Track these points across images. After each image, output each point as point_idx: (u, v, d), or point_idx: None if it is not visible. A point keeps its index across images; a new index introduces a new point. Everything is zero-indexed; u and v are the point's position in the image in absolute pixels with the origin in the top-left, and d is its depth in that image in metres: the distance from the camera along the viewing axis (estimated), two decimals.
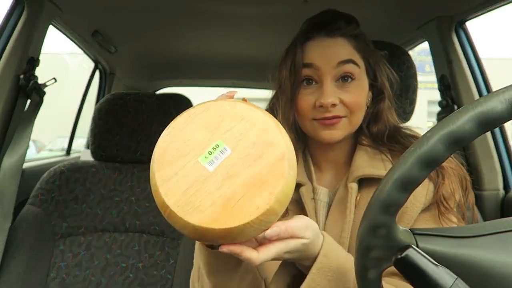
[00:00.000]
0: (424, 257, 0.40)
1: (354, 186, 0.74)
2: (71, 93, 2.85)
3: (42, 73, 1.34)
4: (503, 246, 0.41)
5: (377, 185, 0.69)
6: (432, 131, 0.40)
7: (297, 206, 0.78)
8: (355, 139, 0.82)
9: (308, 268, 0.58)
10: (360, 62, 0.77)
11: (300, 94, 0.77)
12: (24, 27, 1.25)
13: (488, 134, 1.44)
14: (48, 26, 1.37)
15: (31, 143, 1.37)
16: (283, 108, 0.79)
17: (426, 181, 0.72)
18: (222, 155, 0.50)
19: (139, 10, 1.56)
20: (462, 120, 0.38)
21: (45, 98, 1.35)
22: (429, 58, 1.57)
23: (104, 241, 1.23)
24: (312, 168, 0.81)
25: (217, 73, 2.68)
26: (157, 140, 0.53)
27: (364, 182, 0.75)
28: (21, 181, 1.26)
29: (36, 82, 1.30)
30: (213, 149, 0.50)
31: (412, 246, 0.41)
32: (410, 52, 1.54)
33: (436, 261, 0.40)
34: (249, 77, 2.65)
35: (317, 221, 0.77)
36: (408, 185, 0.40)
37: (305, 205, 0.76)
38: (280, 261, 0.64)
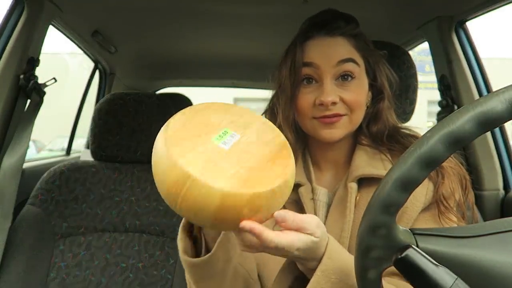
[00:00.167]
0: (424, 257, 0.40)
1: (353, 186, 0.74)
2: (71, 93, 2.85)
3: (42, 73, 1.34)
4: (503, 246, 0.41)
5: (376, 185, 0.69)
6: (432, 131, 0.40)
7: (296, 206, 0.78)
8: (355, 139, 0.82)
9: (311, 270, 0.58)
10: (360, 61, 0.77)
11: (300, 93, 0.77)
12: (24, 27, 1.25)
13: (488, 134, 1.44)
14: (48, 26, 1.37)
15: (31, 143, 1.37)
16: (283, 107, 0.79)
17: (426, 180, 0.72)
18: (233, 138, 0.53)
19: (139, 10, 1.56)
20: (462, 120, 0.38)
21: (45, 98, 1.35)
22: (429, 58, 1.57)
23: (104, 241, 1.23)
24: (311, 168, 0.81)
25: (217, 73, 2.68)
26: None
27: (363, 182, 0.75)
28: (21, 181, 1.26)
29: (36, 82, 1.30)
30: (223, 133, 0.53)
31: (412, 246, 0.41)
32: (410, 52, 1.54)
33: (436, 261, 0.40)
34: (249, 77, 2.65)
35: None
36: (408, 185, 0.40)
37: (304, 205, 0.76)
38: (282, 264, 0.64)
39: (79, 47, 1.87)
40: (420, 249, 0.41)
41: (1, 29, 1.24)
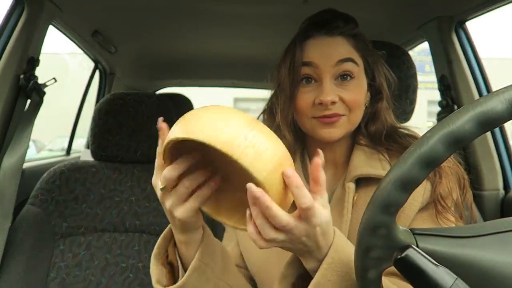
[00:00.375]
0: (424, 257, 0.40)
1: (351, 186, 0.75)
2: (71, 93, 2.85)
3: (42, 73, 1.34)
4: (503, 246, 0.41)
5: (374, 185, 0.69)
6: (432, 131, 0.40)
7: (294, 206, 0.77)
8: (353, 139, 0.82)
9: (316, 268, 0.58)
10: (359, 61, 0.78)
11: (299, 93, 0.77)
12: (24, 27, 1.25)
13: (488, 134, 1.44)
14: (48, 26, 1.37)
15: (31, 143, 1.37)
16: (282, 107, 0.79)
17: (425, 180, 0.72)
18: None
19: (139, 10, 1.56)
20: (462, 120, 0.38)
21: (45, 98, 1.35)
22: (429, 58, 1.57)
23: (104, 241, 1.23)
24: (310, 168, 0.81)
25: (217, 73, 2.68)
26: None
27: (361, 181, 0.76)
28: (21, 181, 1.26)
29: (36, 82, 1.30)
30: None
31: (412, 246, 0.41)
32: (410, 52, 1.54)
33: (436, 261, 0.40)
34: (249, 77, 2.65)
35: None
36: (408, 185, 0.40)
37: None
38: (285, 262, 0.64)
39: (79, 47, 1.87)
40: (420, 249, 0.41)
41: (1, 29, 1.24)
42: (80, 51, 1.95)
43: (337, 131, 0.75)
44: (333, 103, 0.74)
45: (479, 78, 1.47)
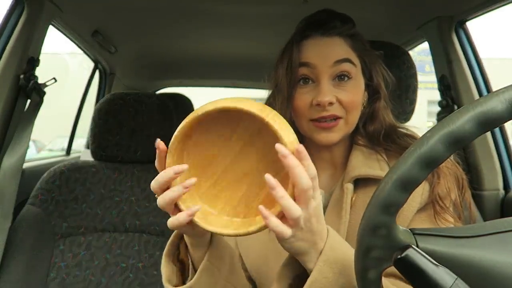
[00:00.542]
0: (424, 257, 0.40)
1: (349, 186, 0.74)
2: (71, 93, 2.85)
3: (42, 73, 1.34)
4: (503, 246, 0.41)
5: (373, 186, 0.68)
6: (432, 131, 0.40)
7: None
8: (351, 139, 0.82)
9: (313, 266, 0.58)
10: (357, 61, 0.77)
11: (297, 93, 0.77)
12: (24, 27, 1.25)
13: (488, 134, 1.44)
14: (48, 26, 1.37)
15: (31, 143, 1.37)
16: (280, 107, 0.79)
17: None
18: None
19: (139, 10, 1.56)
20: (462, 120, 0.38)
21: (45, 98, 1.35)
22: (429, 58, 1.57)
23: (104, 241, 1.23)
24: None
25: (217, 73, 2.69)
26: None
27: (360, 182, 0.75)
28: (21, 181, 1.26)
29: (36, 82, 1.30)
30: None
31: (412, 246, 0.41)
32: (410, 52, 1.54)
33: (436, 261, 0.40)
34: (249, 77, 2.65)
35: None
36: (408, 185, 0.40)
37: None
38: (282, 262, 0.64)
39: (79, 47, 1.87)
40: (420, 249, 0.41)
41: (1, 29, 1.24)
42: (80, 51, 1.95)
43: (335, 135, 0.75)
44: (331, 104, 0.73)
45: (479, 78, 1.47)
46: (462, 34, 1.48)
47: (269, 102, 0.84)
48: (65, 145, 2.32)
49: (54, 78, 1.38)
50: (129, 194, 1.28)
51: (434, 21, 1.45)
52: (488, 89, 1.48)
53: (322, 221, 0.57)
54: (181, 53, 2.20)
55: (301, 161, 0.50)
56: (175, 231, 0.65)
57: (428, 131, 0.40)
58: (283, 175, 0.52)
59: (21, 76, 1.26)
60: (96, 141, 1.29)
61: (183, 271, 0.66)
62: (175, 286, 0.63)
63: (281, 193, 0.49)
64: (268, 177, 0.49)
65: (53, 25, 1.48)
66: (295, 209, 0.50)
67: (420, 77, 1.07)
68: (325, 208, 0.78)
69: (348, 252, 0.60)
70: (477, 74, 1.47)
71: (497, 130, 1.47)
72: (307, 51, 0.77)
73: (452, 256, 0.41)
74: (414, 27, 1.55)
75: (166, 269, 0.65)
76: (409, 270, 0.40)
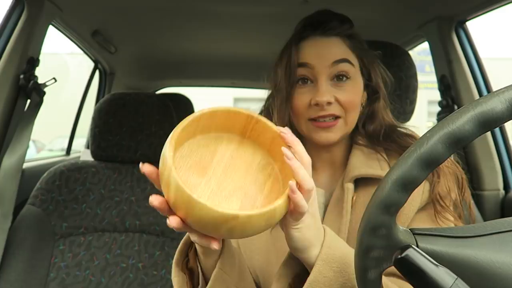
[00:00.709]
0: (424, 257, 0.40)
1: (350, 186, 0.74)
2: (71, 93, 2.85)
3: (42, 73, 1.34)
4: (503, 246, 0.41)
5: (373, 185, 0.68)
6: (432, 131, 0.40)
7: None
8: (351, 139, 0.82)
9: (312, 265, 0.58)
10: (355, 62, 0.77)
11: (296, 93, 0.77)
12: (24, 27, 1.25)
13: (488, 134, 1.44)
14: (48, 26, 1.37)
15: (31, 143, 1.37)
16: (279, 108, 0.79)
17: None
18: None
19: (139, 10, 1.56)
20: (462, 120, 0.38)
21: (45, 98, 1.35)
22: (429, 58, 1.57)
23: (104, 241, 1.23)
24: None
25: (217, 73, 2.69)
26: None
27: (360, 182, 0.75)
28: (21, 181, 1.26)
29: (36, 82, 1.30)
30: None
31: (412, 246, 0.41)
32: (410, 52, 1.54)
33: (436, 261, 0.40)
34: (249, 77, 2.66)
35: None
36: (408, 185, 0.40)
37: None
38: (282, 262, 0.64)
39: (79, 47, 1.87)
40: (420, 249, 0.41)
41: (1, 29, 1.24)
42: (80, 51, 1.95)
43: (334, 135, 0.75)
44: (329, 103, 0.74)
45: (479, 78, 1.47)
46: (462, 34, 1.48)
47: (269, 102, 0.84)
48: (65, 145, 2.31)
49: (54, 78, 1.38)
50: (129, 194, 1.28)
51: (434, 21, 1.45)
52: (488, 89, 1.48)
53: (319, 219, 0.58)
54: (181, 53, 2.21)
55: (293, 145, 0.54)
56: (185, 238, 0.65)
57: (428, 131, 0.40)
58: (273, 180, 0.55)
59: (21, 76, 1.26)
60: (96, 141, 1.29)
61: (192, 278, 0.66)
62: None
63: (297, 164, 0.53)
64: (284, 149, 0.53)
65: (53, 25, 1.48)
66: (309, 180, 0.53)
67: (420, 77, 1.07)
68: (325, 207, 0.78)
69: (346, 250, 0.60)
70: (477, 74, 1.47)
71: (497, 130, 1.47)
72: (306, 51, 0.77)
73: (452, 256, 0.41)
74: (414, 27, 1.55)
75: (177, 278, 0.64)
76: (409, 270, 0.40)
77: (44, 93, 1.34)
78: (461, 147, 0.39)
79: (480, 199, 1.41)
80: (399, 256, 0.40)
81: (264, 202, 0.54)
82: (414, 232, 0.44)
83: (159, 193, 0.52)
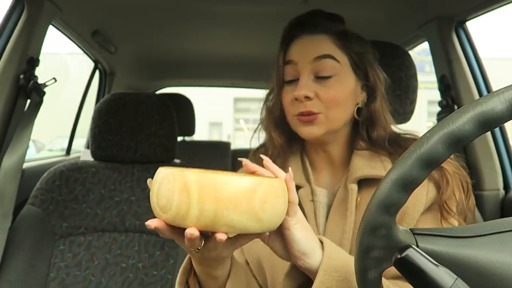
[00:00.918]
0: (424, 257, 0.40)
1: (354, 187, 0.74)
2: (71, 93, 2.85)
3: (42, 73, 1.34)
4: (503, 246, 0.41)
5: (376, 186, 0.69)
6: (432, 131, 0.40)
7: None
8: (351, 143, 0.82)
9: (314, 273, 0.59)
10: (342, 59, 0.77)
11: (284, 91, 0.79)
12: (24, 27, 1.25)
13: (488, 134, 1.44)
14: (48, 26, 1.37)
15: (31, 143, 1.37)
16: (272, 107, 0.82)
17: (426, 180, 0.72)
18: None
19: (139, 10, 1.56)
20: (462, 120, 0.38)
21: (45, 98, 1.35)
22: (429, 58, 1.57)
23: (104, 241, 1.23)
24: (309, 169, 0.81)
25: (217, 73, 2.69)
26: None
27: (363, 183, 0.75)
28: (21, 181, 1.26)
29: (36, 82, 1.30)
30: None
31: (412, 246, 0.41)
32: (410, 52, 1.54)
33: (436, 261, 0.40)
34: (249, 76, 2.66)
35: (316, 223, 0.77)
36: (408, 185, 0.40)
37: (304, 207, 0.76)
38: (285, 273, 0.64)
39: (79, 47, 1.87)
40: (420, 249, 0.41)
41: (1, 29, 1.24)
42: (80, 51, 1.95)
43: (315, 128, 0.76)
44: (308, 98, 0.74)
45: (479, 78, 1.47)
46: (462, 34, 1.48)
47: (268, 99, 0.86)
48: (65, 145, 2.31)
49: (54, 78, 1.38)
50: (129, 194, 1.28)
51: (434, 21, 1.45)
52: (488, 89, 1.48)
53: (308, 225, 0.60)
54: (181, 53, 2.21)
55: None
56: (183, 266, 0.64)
57: (428, 131, 0.40)
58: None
59: (21, 76, 1.26)
60: (96, 141, 1.29)
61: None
62: None
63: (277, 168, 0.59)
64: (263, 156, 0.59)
65: (53, 25, 1.48)
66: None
67: (420, 77, 1.06)
68: (328, 208, 0.78)
69: (346, 258, 0.60)
70: (477, 74, 1.47)
71: (497, 130, 1.47)
72: (292, 50, 0.78)
73: (452, 256, 0.41)
74: (414, 27, 1.55)
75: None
76: (409, 270, 0.40)
77: (44, 93, 1.34)
78: (461, 147, 0.39)
79: (480, 199, 1.41)
80: (399, 256, 0.40)
81: None
82: (414, 232, 0.44)
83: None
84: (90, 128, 1.31)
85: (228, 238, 0.52)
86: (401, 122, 1.00)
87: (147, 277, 1.19)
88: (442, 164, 0.70)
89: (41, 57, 1.35)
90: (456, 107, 1.45)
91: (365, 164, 0.76)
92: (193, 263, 0.61)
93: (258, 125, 0.88)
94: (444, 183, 0.71)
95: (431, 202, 0.72)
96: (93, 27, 1.70)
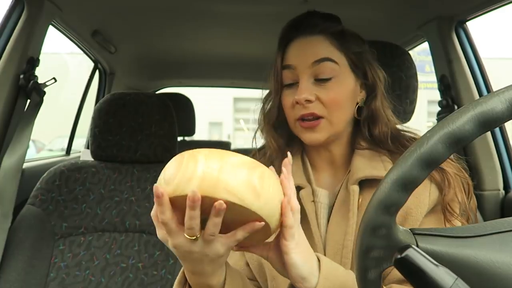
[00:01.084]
0: (424, 257, 0.40)
1: (355, 188, 0.74)
2: (71, 93, 2.85)
3: (42, 73, 1.34)
4: (503, 246, 0.41)
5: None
6: (432, 131, 0.40)
7: None
8: (352, 142, 0.82)
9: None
10: (340, 60, 0.77)
11: (283, 95, 0.79)
12: (24, 27, 1.25)
13: (488, 134, 1.44)
14: (48, 26, 1.37)
15: (31, 143, 1.37)
16: (270, 110, 0.82)
17: (428, 181, 0.72)
18: None
19: (139, 10, 1.56)
20: (462, 120, 0.38)
21: (45, 98, 1.35)
22: (429, 58, 1.57)
23: (104, 241, 1.23)
24: (310, 170, 0.81)
25: (217, 72, 2.69)
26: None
27: (364, 183, 0.75)
28: (21, 181, 1.26)
29: (36, 82, 1.30)
30: None
31: (412, 246, 0.41)
32: (410, 52, 1.54)
33: (436, 261, 0.40)
34: (249, 76, 2.65)
35: (318, 224, 0.76)
36: (408, 185, 0.40)
37: (305, 208, 0.76)
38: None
39: (79, 47, 1.87)
40: (420, 249, 0.41)
41: (1, 29, 1.24)
42: (80, 51, 1.95)
43: (319, 135, 0.76)
44: (309, 101, 0.74)
45: (479, 78, 1.47)
46: (462, 34, 1.48)
47: (267, 100, 0.86)
48: (65, 145, 2.31)
49: (54, 78, 1.38)
50: (129, 194, 1.28)
51: (434, 21, 1.45)
52: (488, 89, 1.48)
53: (308, 244, 0.60)
54: (181, 53, 2.21)
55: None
56: (178, 278, 0.63)
57: (428, 131, 0.40)
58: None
59: (21, 76, 1.26)
60: (96, 141, 1.29)
61: None
62: None
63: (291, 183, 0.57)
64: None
65: (53, 25, 1.48)
66: (296, 201, 0.56)
67: (420, 77, 1.06)
68: (329, 208, 0.78)
69: (343, 277, 0.60)
70: (477, 74, 1.47)
71: (497, 130, 1.47)
72: (290, 53, 0.78)
73: (452, 256, 0.41)
74: (414, 27, 1.55)
75: None
76: (409, 270, 0.40)
77: (44, 93, 1.34)
78: (461, 147, 0.39)
79: (480, 199, 1.41)
80: (399, 256, 0.40)
81: None
82: (414, 232, 0.43)
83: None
84: (90, 128, 1.31)
85: (224, 232, 0.52)
86: (401, 122, 1.00)
87: (147, 277, 1.19)
88: (444, 166, 0.70)
89: (41, 57, 1.35)
90: (456, 107, 1.45)
91: (366, 164, 0.76)
92: (186, 275, 0.60)
93: (258, 127, 0.88)
94: (445, 184, 0.71)
95: (434, 204, 0.72)
96: (93, 27, 1.70)
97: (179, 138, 2.68)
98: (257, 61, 2.11)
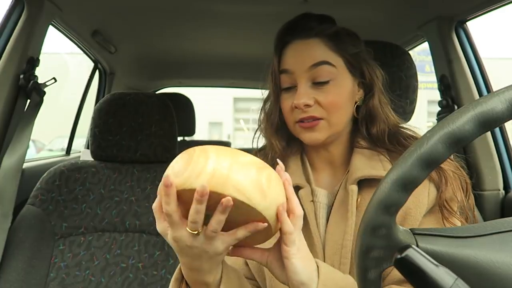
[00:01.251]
0: (424, 257, 0.40)
1: (354, 188, 0.74)
2: (71, 93, 2.85)
3: (42, 73, 1.34)
4: (503, 246, 0.41)
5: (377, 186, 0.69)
6: (432, 131, 0.40)
7: None
8: (351, 141, 0.82)
9: None
10: (337, 62, 0.77)
11: (282, 98, 0.79)
12: (24, 27, 1.25)
13: (488, 134, 1.44)
14: (48, 26, 1.37)
15: (31, 143, 1.37)
16: (269, 113, 0.83)
17: (426, 181, 0.72)
18: None
19: (139, 10, 1.56)
20: (462, 120, 0.38)
21: (45, 98, 1.35)
22: (429, 58, 1.57)
23: (104, 241, 1.23)
24: (309, 170, 0.81)
25: (217, 73, 2.69)
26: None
27: (363, 183, 0.75)
28: (21, 181, 1.26)
29: (36, 82, 1.30)
30: None
31: (412, 246, 0.41)
32: (410, 52, 1.54)
33: (436, 261, 0.40)
34: (248, 77, 2.65)
35: (317, 224, 0.77)
36: (408, 185, 0.40)
37: (304, 208, 0.76)
38: None
39: (79, 47, 1.87)
40: (420, 249, 0.41)
41: (1, 29, 1.24)
42: (80, 51, 1.95)
43: (318, 134, 0.76)
44: (308, 106, 0.74)
45: (479, 78, 1.47)
46: (462, 34, 1.48)
47: (266, 102, 0.86)
48: (65, 145, 2.31)
49: (54, 78, 1.38)
50: (129, 194, 1.28)
51: (434, 21, 1.45)
52: (488, 89, 1.48)
53: (308, 250, 0.60)
54: (181, 53, 2.21)
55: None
56: (175, 275, 0.63)
57: (428, 131, 0.40)
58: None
59: (21, 76, 1.26)
60: (96, 141, 1.29)
61: None
62: None
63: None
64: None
65: (53, 25, 1.48)
66: (299, 207, 0.57)
67: (420, 77, 1.06)
68: (328, 208, 0.78)
69: (341, 282, 0.60)
70: (477, 74, 1.47)
71: (497, 130, 1.47)
72: (286, 57, 0.78)
73: (452, 256, 0.41)
74: (414, 27, 1.55)
75: None
76: (409, 270, 0.40)
77: (44, 93, 1.34)
78: (461, 147, 0.39)
79: (480, 199, 1.41)
80: (399, 256, 0.40)
81: None
82: (414, 232, 0.43)
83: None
84: (90, 128, 1.31)
85: (226, 230, 0.52)
86: (401, 122, 1.00)
87: (147, 277, 1.19)
88: (441, 164, 0.70)
89: (41, 57, 1.35)
90: (456, 107, 1.45)
91: (365, 164, 0.76)
92: (183, 271, 0.60)
93: (258, 128, 0.88)
94: (442, 182, 0.71)
95: (433, 203, 0.72)
96: (93, 27, 1.70)
97: (179, 138, 2.68)
98: (257, 61, 2.11)
